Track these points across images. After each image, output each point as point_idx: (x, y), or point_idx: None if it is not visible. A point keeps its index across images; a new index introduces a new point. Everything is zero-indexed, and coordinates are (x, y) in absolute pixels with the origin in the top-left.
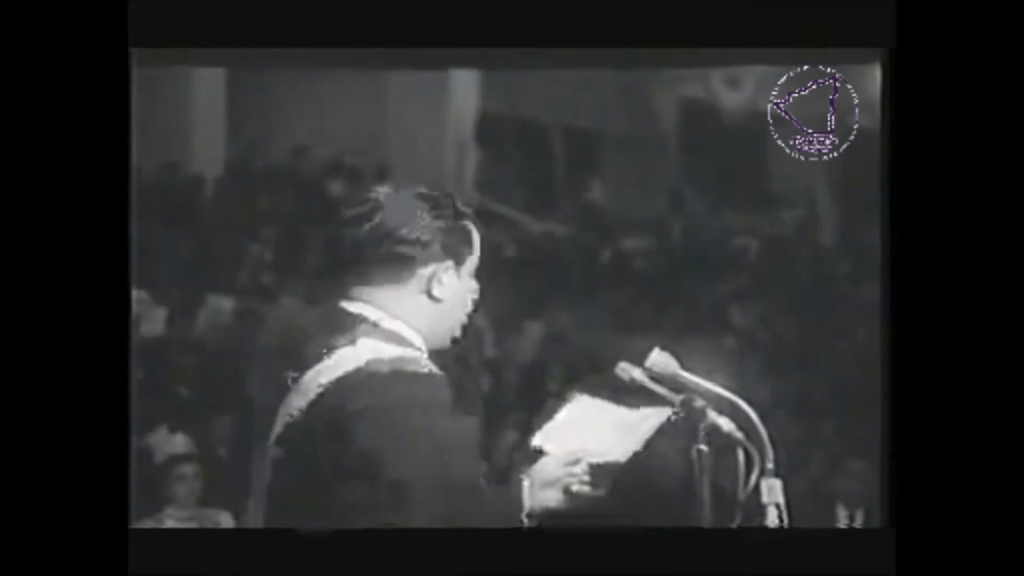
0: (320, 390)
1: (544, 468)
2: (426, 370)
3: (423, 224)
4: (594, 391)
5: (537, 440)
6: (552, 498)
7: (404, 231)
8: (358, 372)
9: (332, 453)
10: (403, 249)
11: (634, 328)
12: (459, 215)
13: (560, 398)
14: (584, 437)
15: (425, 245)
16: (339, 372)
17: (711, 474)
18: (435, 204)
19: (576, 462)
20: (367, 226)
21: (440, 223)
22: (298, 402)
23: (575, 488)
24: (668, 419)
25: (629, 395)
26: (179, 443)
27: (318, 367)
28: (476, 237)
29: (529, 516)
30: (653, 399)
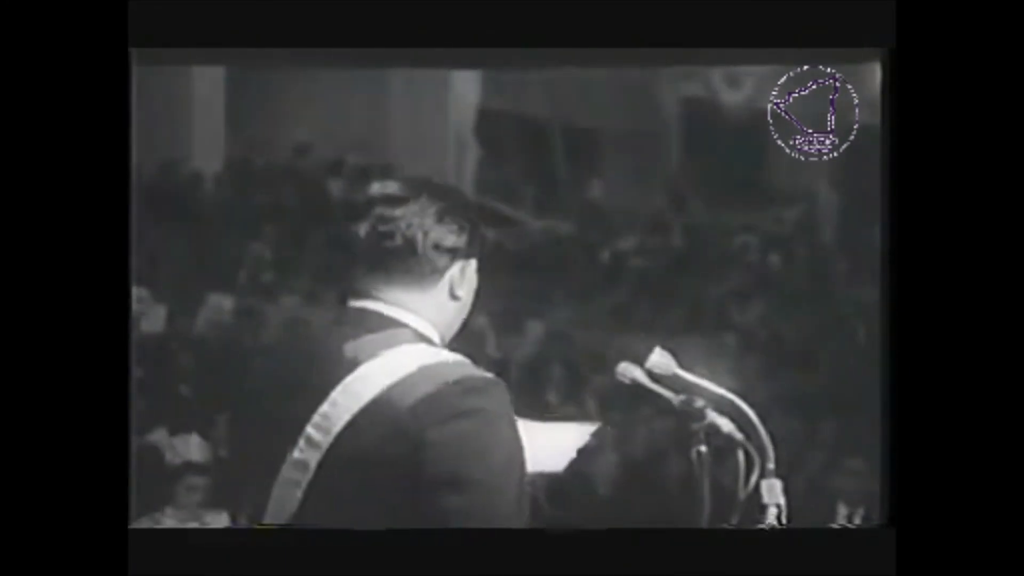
0: (373, 395)
1: None
2: (490, 376)
3: (452, 229)
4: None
5: None
6: None
7: (434, 239)
8: (416, 378)
9: (413, 462)
10: (433, 254)
11: (634, 327)
12: (478, 216)
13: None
14: None
15: (454, 250)
16: (392, 378)
17: (711, 474)
18: (455, 205)
19: None
20: (400, 238)
21: (464, 226)
22: (346, 406)
23: None
24: (597, 430)
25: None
26: (192, 449)
27: (360, 371)
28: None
29: None
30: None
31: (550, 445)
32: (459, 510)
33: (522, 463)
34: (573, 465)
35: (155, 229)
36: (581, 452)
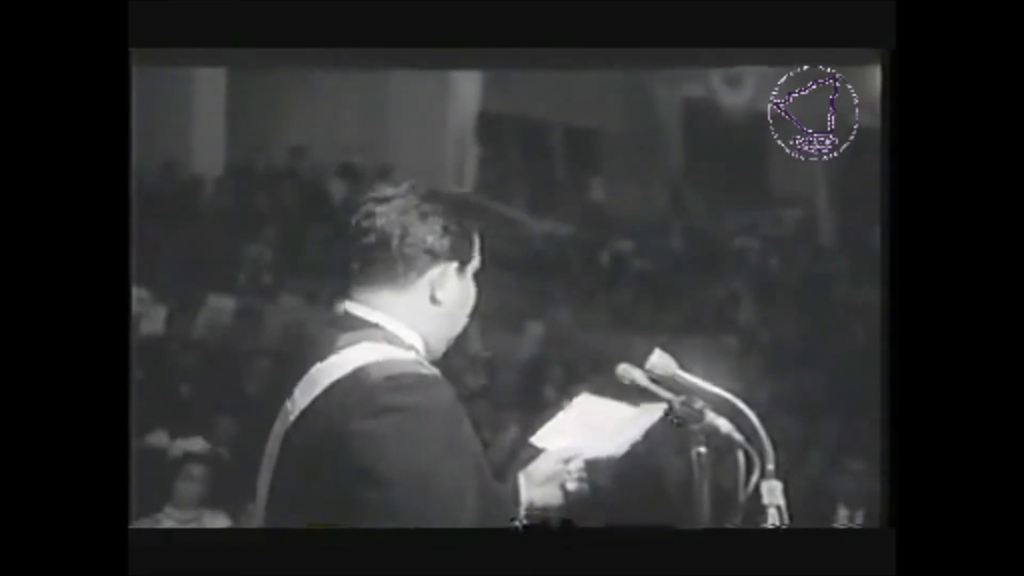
0: (321, 389)
1: (540, 465)
2: (434, 373)
3: (434, 230)
4: (599, 390)
5: (536, 439)
6: (548, 495)
7: (413, 237)
8: (359, 373)
9: (341, 454)
10: (410, 252)
11: (634, 328)
12: (467, 219)
13: (560, 399)
14: (583, 435)
15: (434, 251)
16: (339, 373)
17: (711, 475)
18: (446, 208)
19: (571, 459)
20: (374, 235)
21: (450, 228)
22: (302, 399)
23: (570, 485)
24: (665, 414)
25: (634, 393)
26: (193, 442)
27: (319, 366)
28: (478, 241)
29: (526, 513)
30: (651, 396)
31: (607, 428)
32: (375, 505)
33: (459, 461)
34: (635, 449)
35: (155, 230)
36: (647, 435)
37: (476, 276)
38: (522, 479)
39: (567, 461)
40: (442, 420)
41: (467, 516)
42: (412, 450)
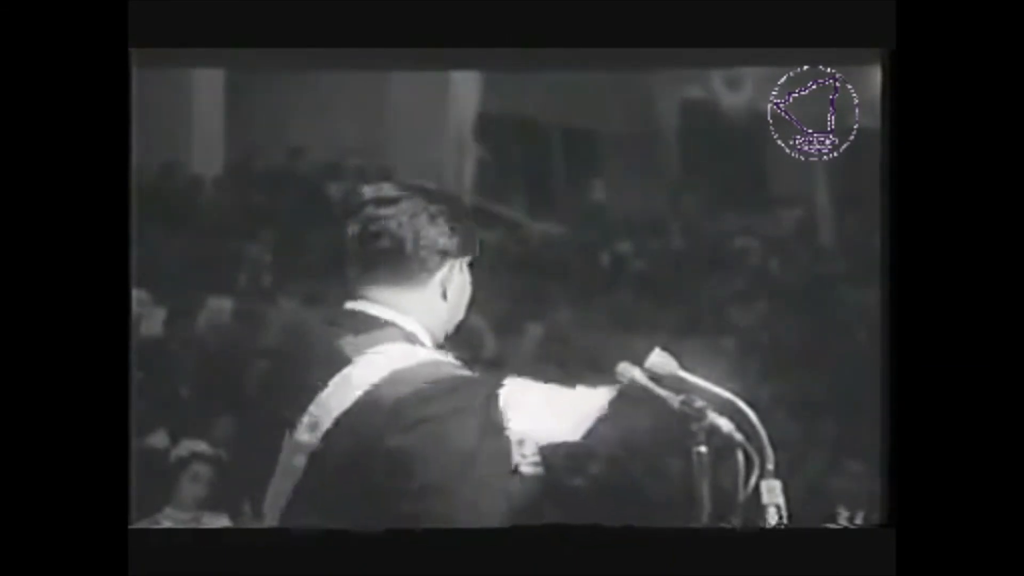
0: (354, 400)
1: None
2: (464, 374)
3: (443, 231)
4: (523, 372)
5: None
6: None
7: (426, 239)
8: (394, 377)
9: (397, 460)
10: (425, 254)
11: (634, 328)
12: (466, 217)
13: None
14: (523, 418)
15: (445, 251)
16: (376, 378)
17: (711, 475)
18: (449, 208)
19: (521, 443)
20: (388, 238)
21: (456, 228)
22: (331, 407)
23: (524, 468)
24: (618, 395)
25: (558, 374)
26: (193, 442)
27: (348, 370)
28: (476, 234)
29: None
30: (593, 379)
31: (554, 411)
32: (414, 515)
33: (489, 461)
34: (593, 432)
35: (155, 231)
36: (601, 419)
37: (471, 267)
38: None
39: (520, 443)
40: (479, 419)
41: (505, 515)
42: (446, 454)
